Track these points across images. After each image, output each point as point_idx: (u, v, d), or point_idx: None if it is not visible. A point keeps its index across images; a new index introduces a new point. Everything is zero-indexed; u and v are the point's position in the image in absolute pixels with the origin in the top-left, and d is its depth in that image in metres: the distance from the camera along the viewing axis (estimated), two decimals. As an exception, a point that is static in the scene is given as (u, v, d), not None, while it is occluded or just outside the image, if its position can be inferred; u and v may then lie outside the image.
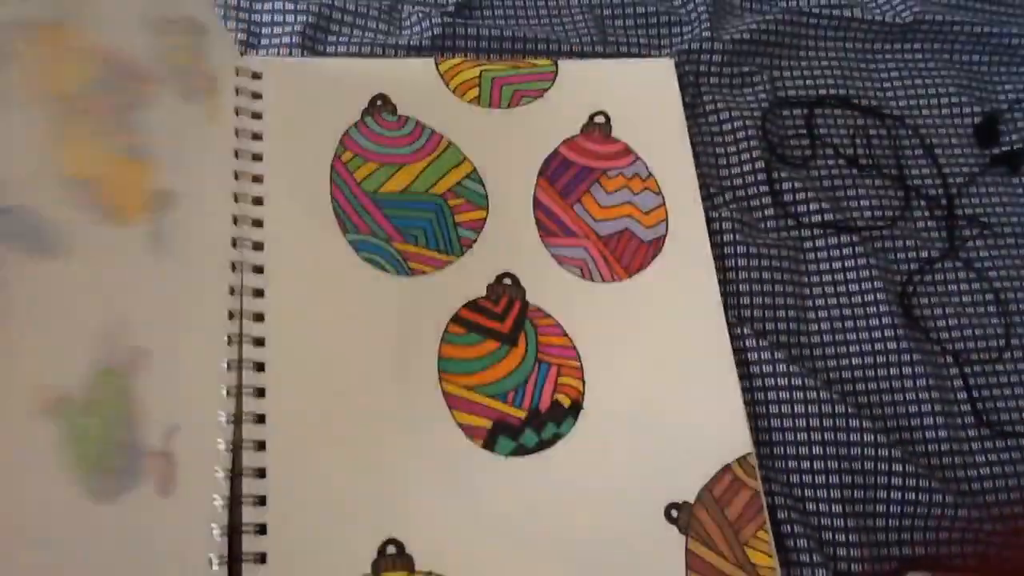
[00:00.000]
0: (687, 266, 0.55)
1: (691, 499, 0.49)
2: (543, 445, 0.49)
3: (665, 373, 0.52)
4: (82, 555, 0.35)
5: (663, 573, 0.47)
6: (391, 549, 0.46)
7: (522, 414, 0.50)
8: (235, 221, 0.51)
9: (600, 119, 0.59)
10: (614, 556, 0.47)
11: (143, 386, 0.40)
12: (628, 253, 0.55)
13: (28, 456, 0.33)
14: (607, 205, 0.56)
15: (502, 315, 0.52)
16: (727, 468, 0.50)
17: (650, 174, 0.57)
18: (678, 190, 0.57)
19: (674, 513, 0.49)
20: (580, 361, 0.52)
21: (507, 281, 0.53)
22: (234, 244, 0.50)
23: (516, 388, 0.51)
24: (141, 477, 0.39)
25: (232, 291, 0.49)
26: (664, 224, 0.56)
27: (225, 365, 0.47)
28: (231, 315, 0.49)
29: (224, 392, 0.47)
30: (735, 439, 0.51)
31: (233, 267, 0.50)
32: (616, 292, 0.54)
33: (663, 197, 0.57)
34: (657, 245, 0.55)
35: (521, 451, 0.49)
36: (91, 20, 0.39)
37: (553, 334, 0.52)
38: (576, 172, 0.57)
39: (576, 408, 0.50)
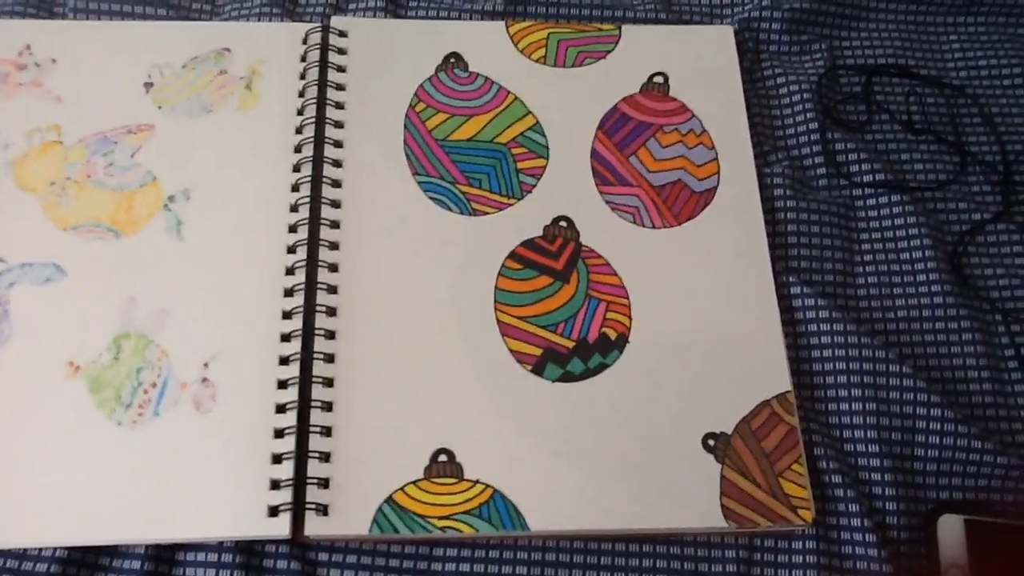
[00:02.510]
0: (736, 216, 0.57)
1: (729, 430, 0.51)
2: (589, 373, 0.53)
3: (710, 313, 0.54)
4: (125, 464, 0.49)
5: (698, 496, 0.50)
6: (442, 457, 0.50)
7: (570, 344, 0.53)
8: (318, 164, 0.56)
9: (659, 79, 0.62)
10: (652, 478, 0.50)
11: (168, 337, 0.52)
12: (679, 202, 0.58)
13: (65, 408, 0.50)
14: (661, 158, 0.59)
15: (556, 253, 0.56)
16: (765, 403, 0.52)
17: (704, 130, 0.60)
18: (731, 146, 0.60)
19: (711, 442, 0.51)
20: (629, 299, 0.55)
21: (563, 223, 0.57)
22: (295, 189, 0.56)
23: (566, 320, 0.54)
24: (179, 402, 0.51)
25: (293, 229, 0.55)
26: (716, 177, 0.59)
27: (281, 292, 0.53)
28: (291, 249, 0.54)
29: (280, 315, 0.53)
30: (775, 377, 0.53)
31: (293, 208, 0.56)
32: (666, 237, 0.57)
33: (716, 152, 0.59)
34: (708, 196, 0.58)
35: (568, 378, 0.52)
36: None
37: (604, 273, 0.55)
38: (633, 127, 0.60)
39: (622, 341, 0.53)
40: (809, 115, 0.62)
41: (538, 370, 0.53)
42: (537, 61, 0.62)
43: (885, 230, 0.59)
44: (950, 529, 0.50)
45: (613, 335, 0.54)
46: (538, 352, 0.53)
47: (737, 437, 0.51)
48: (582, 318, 0.54)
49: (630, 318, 0.54)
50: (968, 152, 0.62)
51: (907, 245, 0.58)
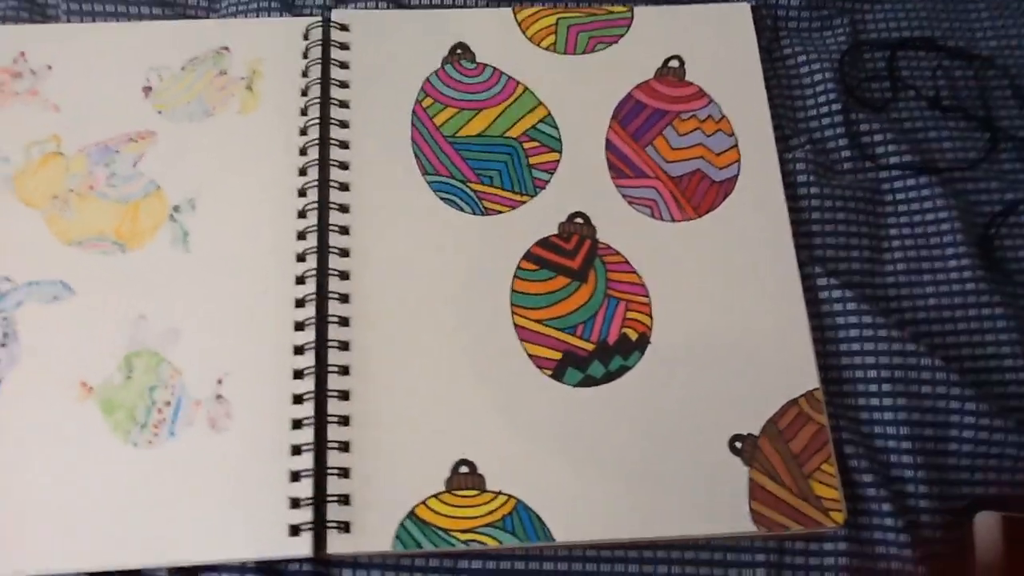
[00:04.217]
0: (758, 206, 0.55)
1: (756, 431, 0.50)
2: (610, 376, 0.51)
3: (733, 310, 0.53)
4: (143, 486, 0.48)
5: (727, 502, 0.49)
6: (464, 468, 0.49)
7: (590, 347, 0.52)
8: (322, 166, 0.55)
9: (674, 63, 0.59)
10: (678, 483, 0.49)
11: (179, 354, 0.51)
12: (699, 193, 0.56)
13: (80, 431, 0.49)
14: (679, 147, 0.57)
15: (573, 252, 0.54)
16: (793, 402, 0.51)
17: (723, 116, 0.58)
18: (752, 132, 0.57)
19: (738, 444, 0.50)
20: (649, 297, 0.53)
21: (578, 220, 0.55)
22: (302, 194, 0.55)
23: (585, 322, 0.52)
24: (194, 421, 0.49)
25: (302, 236, 0.54)
26: (736, 165, 0.56)
27: (292, 302, 0.52)
28: (301, 257, 0.53)
29: (292, 327, 0.51)
30: (802, 375, 0.51)
31: (301, 213, 0.54)
32: (686, 231, 0.55)
33: (736, 139, 0.57)
34: (728, 185, 0.56)
35: (588, 382, 0.51)
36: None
37: (623, 271, 0.54)
38: (649, 115, 0.58)
39: (644, 342, 0.52)
40: (832, 95, 0.59)
41: (558, 375, 0.51)
42: (547, 49, 0.60)
43: (913, 214, 0.57)
44: (987, 527, 0.49)
45: (634, 336, 0.52)
46: (557, 356, 0.52)
47: (764, 438, 0.50)
48: (601, 319, 0.53)
49: (651, 317, 0.53)
50: (998, 128, 0.60)
51: (936, 230, 0.56)
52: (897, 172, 0.58)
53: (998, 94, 0.61)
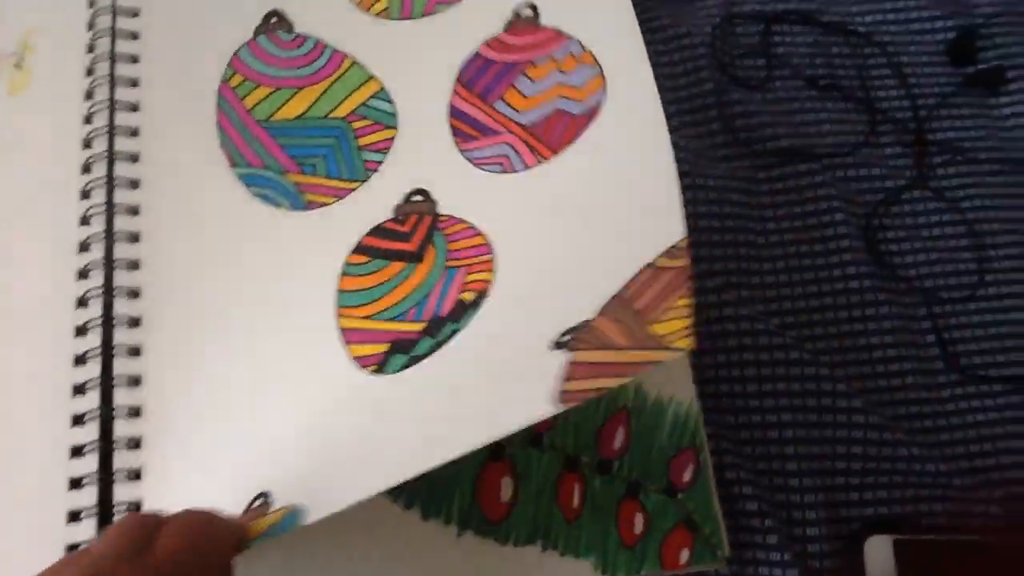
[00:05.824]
0: (628, 121, 0.45)
1: (592, 316, 0.37)
2: (438, 346, 0.42)
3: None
4: None
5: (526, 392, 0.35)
6: (258, 503, 0.40)
7: (420, 327, 0.43)
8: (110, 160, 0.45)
9: (527, 12, 0.51)
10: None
11: None
12: (557, 131, 0.47)
13: None
14: (532, 94, 0.49)
15: (409, 234, 0.46)
16: (648, 265, 0.38)
17: (585, 49, 0.50)
18: (619, 54, 0.47)
19: (565, 339, 0.36)
20: (492, 253, 0.44)
21: (417, 198, 0.46)
22: (86, 196, 0.45)
23: (418, 304, 0.44)
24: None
25: (84, 247, 0.44)
26: (601, 89, 0.48)
27: (73, 330, 0.42)
28: (84, 274, 0.43)
29: (72, 361, 0.42)
30: (666, 219, 0.39)
31: (84, 220, 0.44)
32: (540, 174, 0.45)
33: (600, 67, 0.48)
34: (591, 114, 0.47)
35: (413, 363, 0.42)
36: None
37: (465, 237, 0.45)
38: (498, 70, 0.50)
39: (481, 298, 0.43)
40: (703, 74, 0.53)
41: (381, 368, 0.42)
42: (378, 15, 0.51)
43: (792, 204, 0.52)
44: (878, 552, 0.44)
45: (471, 297, 0.43)
46: (383, 348, 0.43)
47: (600, 317, 0.37)
48: (437, 294, 0.44)
49: (492, 272, 0.43)
50: (877, 109, 0.55)
51: (817, 221, 0.51)
52: (774, 158, 0.52)
53: (876, 72, 0.56)
